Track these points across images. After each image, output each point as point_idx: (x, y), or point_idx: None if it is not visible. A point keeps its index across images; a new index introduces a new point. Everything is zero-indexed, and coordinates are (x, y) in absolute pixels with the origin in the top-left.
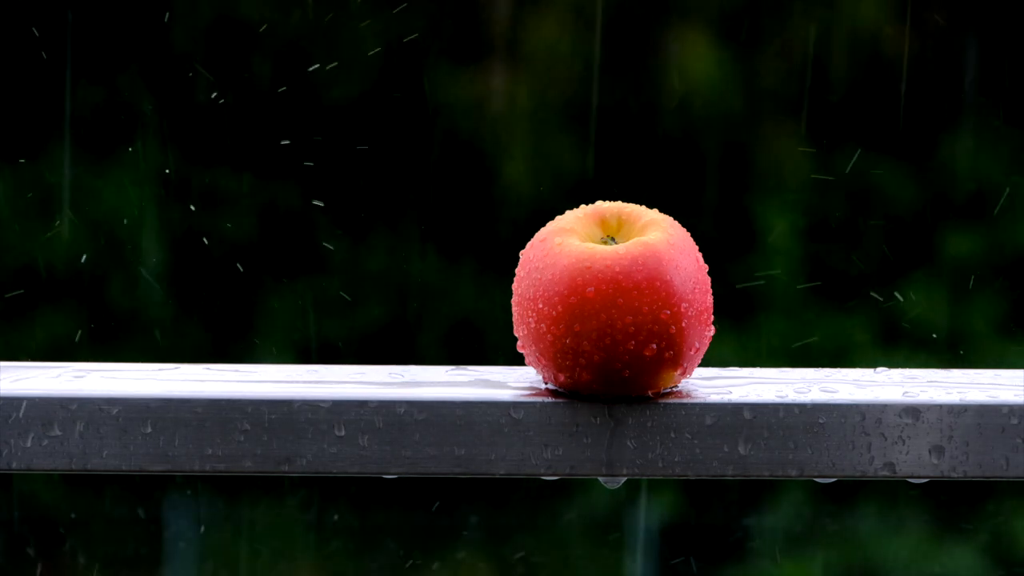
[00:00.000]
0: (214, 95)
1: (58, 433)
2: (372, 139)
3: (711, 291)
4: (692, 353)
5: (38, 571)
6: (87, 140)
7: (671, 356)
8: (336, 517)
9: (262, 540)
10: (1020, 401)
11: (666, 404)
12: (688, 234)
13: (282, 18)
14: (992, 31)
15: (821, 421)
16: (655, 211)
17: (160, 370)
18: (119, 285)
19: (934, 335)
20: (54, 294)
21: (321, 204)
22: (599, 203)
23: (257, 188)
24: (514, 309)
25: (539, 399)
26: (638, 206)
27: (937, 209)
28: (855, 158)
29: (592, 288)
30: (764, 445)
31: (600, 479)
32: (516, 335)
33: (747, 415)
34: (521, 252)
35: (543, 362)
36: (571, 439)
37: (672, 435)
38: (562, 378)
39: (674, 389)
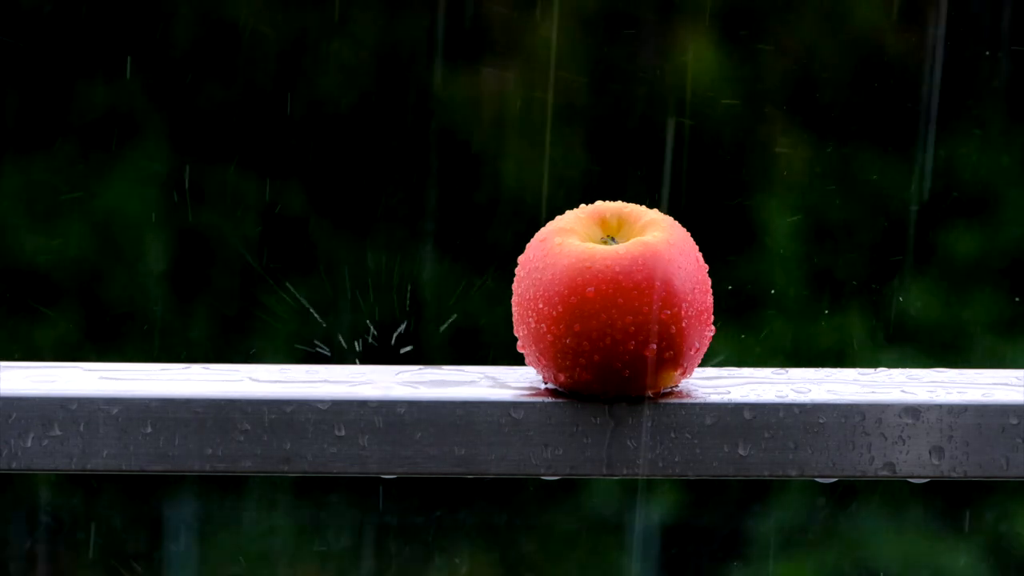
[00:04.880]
0: (214, 95)
1: (58, 433)
2: (372, 139)
3: (711, 291)
4: (692, 353)
5: (38, 571)
6: (87, 140)
7: (671, 356)
8: (336, 517)
9: (262, 540)
10: (1020, 401)
11: (666, 404)
12: (688, 234)
13: (282, 17)
14: (992, 30)
15: (821, 421)
16: (655, 211)
17: (160, 370)
18: (119, 285)
19: (933, 335)
20: (54, 294)
21: (321, 204)
22: (599, 203)
23: (257, 188)
24: (514, 309)
25: (539, 399)
26: (638, 206)
27: (937, 208)
28: (855, 157)
29: (592, 288)
30: (764, 445)
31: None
32: (516, 335)
33: (747, 415)
34: (521, 252)
35: (543, 362)
36: (571, 439)
37: (672, 435)
38: (562, 378)
39: (674, 389)
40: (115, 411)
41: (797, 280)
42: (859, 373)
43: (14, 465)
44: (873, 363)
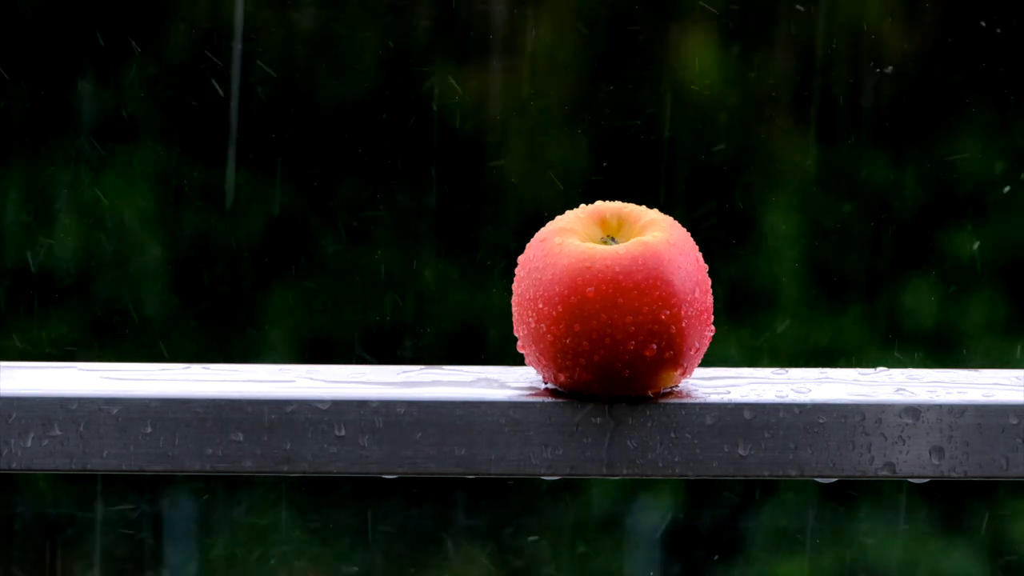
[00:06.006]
0: (214, 95)
1: (58, 433)
2: (372, 139)
3: (711, 291)
4: (692, 353)
5: (38, 571)
6: (88, 139)
7: (671, 356)
8: (336, 517)
9: (262, 540)
10: (1020, 401)
11: (666, 404)
12: (688, 234)
13: (282, 17)
14: (992, 29)
15: (821, 421)
16: (655, 211)
17: (160, 370)
18: (119, 285)
19: (933, 335)
20: (54, 294)
21: (321, 203)
22: (599, 203)
23: (257, 188)
24: (514, 309)
25: (539, 399)
26: (638, 206)
27: (937, 208)
28: (855, 157)
29: (592, 288)
30: (764, 445)
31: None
32: (516, 335)
33: (747, 415)
34: (521, 252)
35: (543, 362)
36: (571, 439)
37: (672, 435)
38: (562, 378)
39: (674, 389)
40: (115, 411)
41: (797, 280)
42: (859, 373)
43: (14, 465)
44: (873, 363)
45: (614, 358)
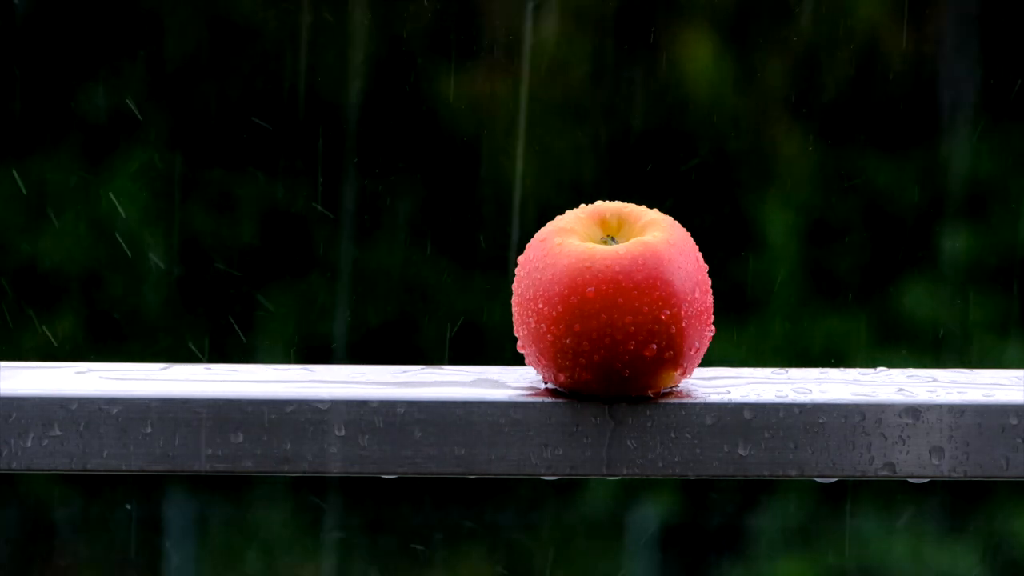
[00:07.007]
0: (214, 95)
1: (58, 433)
2: (372, 139)
3: (711, 291)
4: (692, 353)
5: (38, 571)
6: (88, 140)
7: (671, 356)
8: (336, 517)
9: (262, 540)
10: (1020, 401)
11: (666, 404)
12: (688, 234)
13: (282, 17)
14: (992, 29)
15: (821, 421)
16: (655, 211)
17: (160, 370)
18: (119, 285)
19: (933, 335)
20: (54, 294)
21: (321, 203)
22: (599, 203)
23: (257, 188)
24: (514, 309)
25: (539, 399)
26: (638, 206)
27: (937, 208)
28: (855, 157)
29: (592, 288)
30: (764, 445)
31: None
32: (516, 335)
33: (747, 415)
34: (521, 252)
35: (543, 362)
36: (571, 439)
37: (672, 435)
38: (562, 378)
39: (674, 389)
40: (115, 411)
41: (797, 280)
42: (859, 373)
43: (14, 465)
44: (873, 363)
45: (614, 358)
